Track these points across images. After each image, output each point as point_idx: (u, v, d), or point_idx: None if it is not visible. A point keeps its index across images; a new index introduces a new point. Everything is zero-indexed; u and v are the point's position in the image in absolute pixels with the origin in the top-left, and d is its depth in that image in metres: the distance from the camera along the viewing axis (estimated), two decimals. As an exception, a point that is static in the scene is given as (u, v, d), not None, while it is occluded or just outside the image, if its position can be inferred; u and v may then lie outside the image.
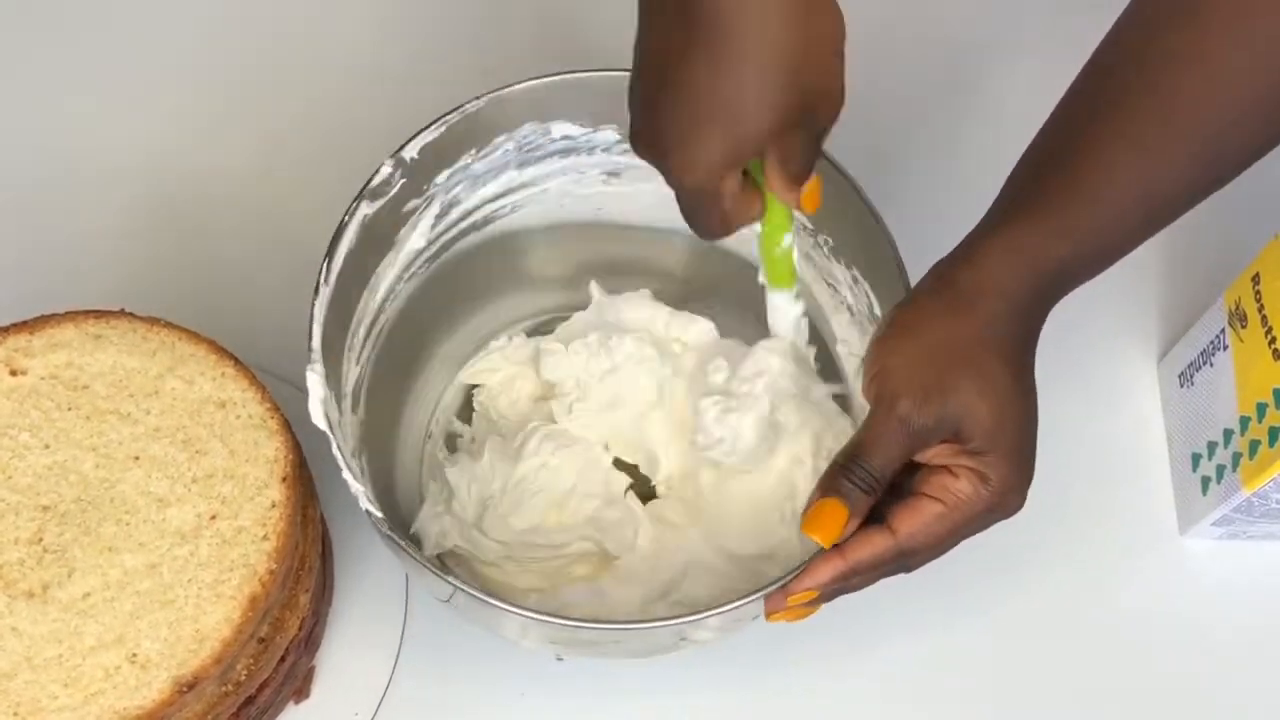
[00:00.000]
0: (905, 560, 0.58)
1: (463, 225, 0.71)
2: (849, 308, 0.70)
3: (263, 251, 0.80)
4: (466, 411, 0.76)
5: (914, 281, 0.61)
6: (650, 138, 0.54)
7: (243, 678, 0.61)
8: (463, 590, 0.58)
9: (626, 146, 0.65)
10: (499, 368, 0.75)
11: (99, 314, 0.65)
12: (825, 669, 0.72)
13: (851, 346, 0.70)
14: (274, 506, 0.61)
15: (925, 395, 0.56)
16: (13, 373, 0.63)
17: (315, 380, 0.60)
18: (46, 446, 0.62)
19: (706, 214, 0.56)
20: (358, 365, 0.67)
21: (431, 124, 0.65)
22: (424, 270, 0.71)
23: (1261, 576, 0.75)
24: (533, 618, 0.58)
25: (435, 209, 0.69)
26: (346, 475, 0.59)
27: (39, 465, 0.61)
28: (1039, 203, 0.59)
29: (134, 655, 0.58)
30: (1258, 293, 0.67)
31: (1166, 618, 0.74)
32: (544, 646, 0.65)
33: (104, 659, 0.58)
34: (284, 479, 0.62)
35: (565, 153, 0.70)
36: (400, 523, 0.70)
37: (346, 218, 0.63)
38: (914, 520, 0.57)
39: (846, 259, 0.69)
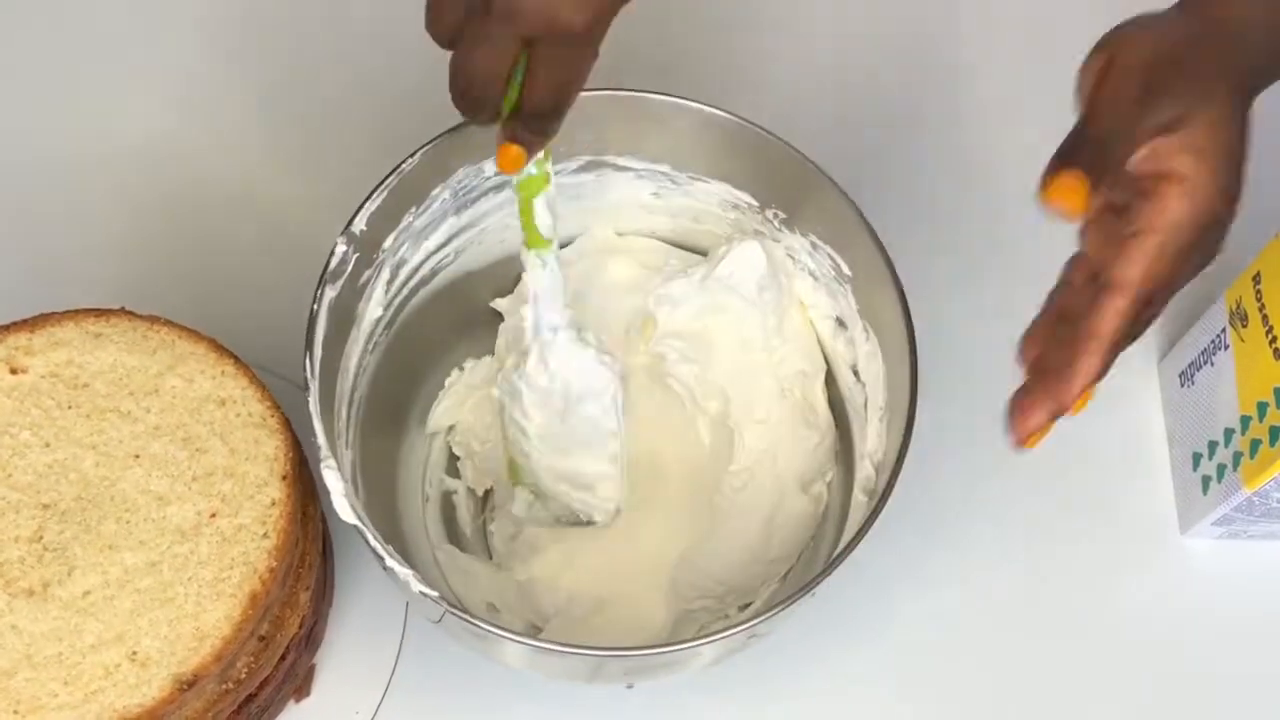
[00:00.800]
0: (1150, 307, 0.54)
1: (412, 284, 0.69)
2: (811, 273, 0.70)
3: (263, 250, 0.80)
4: (454, 466, 0.74)
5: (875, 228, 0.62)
6: None
7: (243, 676, 0.61)
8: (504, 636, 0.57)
9: (558, 169, 0.66)
10: (462, 399, 0.74)
11: (99, 312, 0.65)
12: (826, 667, 0.72)
13: (821, 310, 0.71)
14: (274, 504, 0.61)
15: (1160, 68, 0.53)
16: (13, 371, 0.63)
17: (333, 476, 0.59)
18: (47, 445, 0.62)
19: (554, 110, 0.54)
20: (349, 449, 0.66)
21: (373, 192, 0.64)
22: (384, 338, 0.69)
23: (1262, 576, 0.75)
24: (529, 644, 0.58)
25: (385, 275, 0.67)
26: (392, 563, 0.58)
27: (39, 463, 0.61)
28: None
29: (134, 653, 0.58)
30: (1258, 292, 0.67)
31: (1167, 617, 0.74)
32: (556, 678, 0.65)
33: (104, 657, 0.58)
34: (284, 477, 0.62)
35: (499, 187, 0.69)
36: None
37: (315, 306, 0.62)
38: (1136, 264, 0.53)
39: (800, 228, 0.69)
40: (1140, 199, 0.53)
